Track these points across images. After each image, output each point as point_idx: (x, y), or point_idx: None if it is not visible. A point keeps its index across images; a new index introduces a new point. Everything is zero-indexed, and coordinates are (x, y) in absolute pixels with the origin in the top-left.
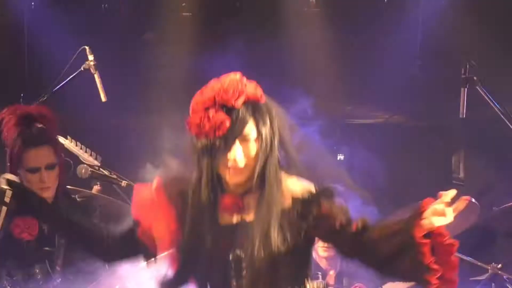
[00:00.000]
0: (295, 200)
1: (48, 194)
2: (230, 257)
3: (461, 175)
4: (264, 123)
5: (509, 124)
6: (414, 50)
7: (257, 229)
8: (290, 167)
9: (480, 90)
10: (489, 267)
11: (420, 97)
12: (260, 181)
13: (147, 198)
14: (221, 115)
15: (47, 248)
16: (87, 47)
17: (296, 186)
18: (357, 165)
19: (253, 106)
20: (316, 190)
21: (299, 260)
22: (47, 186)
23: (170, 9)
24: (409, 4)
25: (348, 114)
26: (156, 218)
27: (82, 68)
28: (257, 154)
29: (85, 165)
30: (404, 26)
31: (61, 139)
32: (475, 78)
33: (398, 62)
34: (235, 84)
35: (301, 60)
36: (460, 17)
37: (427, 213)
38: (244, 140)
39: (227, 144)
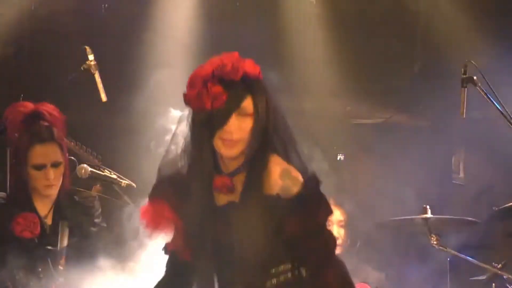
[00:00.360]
0: (280, 186)
1: (52, 192)
2: (223, 237)
3: (461, 175)
4: (261, 99)
5: (509, 124)
6: (414, 50)
7: (241, 210)
8: (281, 150)
9: (480, 90)
10: (489, 267)
11: (420, 97)
12: (251, 159)
13: (144, 204)
14: (219, 88)
15: (49, 247)
16: (87, 47)
17: (283, 171)
18: (356, 165)
19: (251, 82)
20: (302, 182)
21: (291, 242)
22: (52, 183)
23: (169, 9)
24: (409, 5)
25: (348, 114)
26: (152, 212)
27: (82, 68)
28: (252, 129)
29: (85, 165)
30: (404, 26)
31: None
32: (475, 78)
33: (398, 62)
34: (234, 59)
35: (301, 60)
36: (460, 16)
37: None
38: (240, 114)
39: (224, 117)
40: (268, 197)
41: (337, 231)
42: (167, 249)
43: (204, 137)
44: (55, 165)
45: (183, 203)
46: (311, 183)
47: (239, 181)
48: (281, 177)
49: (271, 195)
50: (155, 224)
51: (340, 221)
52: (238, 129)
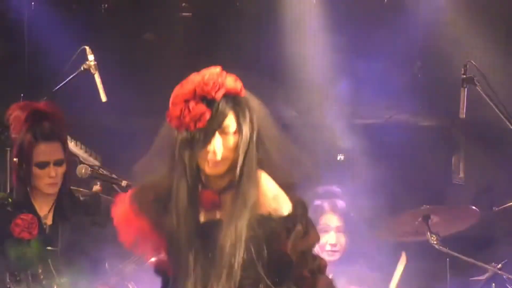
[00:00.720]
0: (273, 208)
1: (54, 191)
2: (210, 255)
3: (461, 175)
4: (244, 116)
5: (508, 124)
6: (414, 50)
7: (228, 227)
8: (267, 165)
9: (480, 90)
10: (489, 267)
11: (420, 97)
12: (238, 176)
13: (121, 212)
14: (202, 107)
15: (49, 248)
16: (87, 47)
17: (275, 193)
18: (357, 165)
19: (233, 99)
20: (292, 205)
21: (278, 263)
22: (54, 181)
23: (170, 9)
24: (409, 4)
25: (348, 114)
26: (134, 230)
27: (82, 68)
28: (236, 147)
29: (85, 165)
30: (404, 26)
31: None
32: (475, 78)
33: (398, 62)
34: (215, 77)
35: (301, 60)
36: (460, 17)
37: None
38: (224, 132)
39: (207, 136)
40: (259, 216)
41: (336, 238)
42: (154, 269)
43: (187, 156)
44: (57, 163)
45: (165, 218)
46: (300, 207)
47: (227, 198)
48: (274, 198)
49: (263, 214)
50: (132, 240)
51: (338, 227)
52: (222, 148)
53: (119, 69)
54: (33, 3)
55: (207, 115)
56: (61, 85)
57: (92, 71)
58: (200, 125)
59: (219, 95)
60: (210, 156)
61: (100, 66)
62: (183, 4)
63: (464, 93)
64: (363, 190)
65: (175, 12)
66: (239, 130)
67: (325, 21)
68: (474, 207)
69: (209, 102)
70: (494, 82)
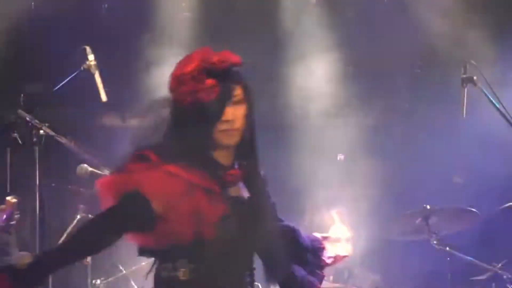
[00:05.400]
0: None
1: None
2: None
3: (461, 175)
4: (248, 86)
5: (509, 123)
6: (414, 50)
7: (253, 206)
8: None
9: (480, 90)
10: (490, 267)
11: (420, 96)
12: (248, 146)
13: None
14: (212, 80)
15: None
16: (87, 47)
17: None
18: (357, 165)
19: (237, 70)
20: None
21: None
22: None
23: (170, 9)
24: (409, 4)
25: (349, 114)
26: None
27: (82, 68)
28: (245, 116)
29: (85, 164)
30: (404, 26)
31: (60, 138)
32: (475, 78)
33: (399, 62)
34: (215, 52)
35: (300, 60)
36: (461, 16)
37: None
38: (234, 103)
39: (220, 108)
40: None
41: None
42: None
43: (202, 131)
44: None
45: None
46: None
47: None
48: None
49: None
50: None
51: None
52: (236, 117)
53: (119, 69)
54: (33, 3)
55: (218, 87)
56: (61, 85)
57: (92, 71)
58: (212, 97)
59: (226, 67)
60: (227, 126)
61: (100, 66)
62: (183, 4)
63: (464, 93)
64: (364, 195)
65: (175, 12)
66: (247, 99)
67: (325, 22)
68: (473, 209)
69: (217, 74)
70: (494, 82)
